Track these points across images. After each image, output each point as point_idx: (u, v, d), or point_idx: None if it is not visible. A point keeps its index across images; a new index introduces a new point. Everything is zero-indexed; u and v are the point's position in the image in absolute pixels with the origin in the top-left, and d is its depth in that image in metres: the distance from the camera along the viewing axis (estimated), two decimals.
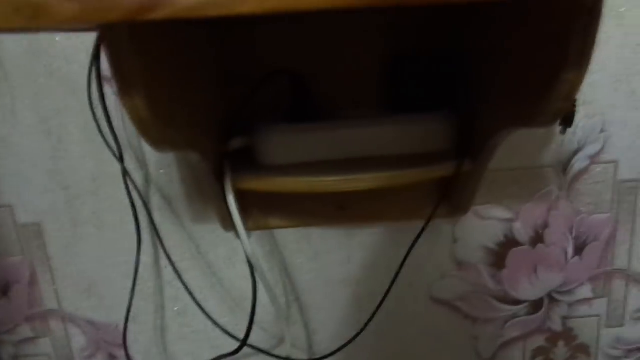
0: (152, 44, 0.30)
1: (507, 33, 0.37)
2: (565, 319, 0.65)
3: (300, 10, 0.21)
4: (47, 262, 0.62)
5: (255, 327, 0.64)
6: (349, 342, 0.57)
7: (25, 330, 0.65)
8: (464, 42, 0.48)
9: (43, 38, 0.54)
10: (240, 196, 0.51)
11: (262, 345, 0.61)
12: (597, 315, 0.65)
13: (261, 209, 0.58)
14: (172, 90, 0.34)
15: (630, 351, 0.66)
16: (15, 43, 0.54)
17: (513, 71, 0.36)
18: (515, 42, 0.36)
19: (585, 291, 0.64)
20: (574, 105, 0.51)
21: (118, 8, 0.21)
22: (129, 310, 0.58)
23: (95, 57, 0.46)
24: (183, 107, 0.37)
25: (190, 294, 0.56)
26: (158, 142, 0.31)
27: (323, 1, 0.21)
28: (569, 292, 0.64)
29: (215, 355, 0.58)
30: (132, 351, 0.65)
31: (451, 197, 0.54)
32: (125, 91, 0.27)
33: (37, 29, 0.21)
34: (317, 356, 0.62)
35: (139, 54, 0.27)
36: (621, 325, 0.65)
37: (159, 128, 0.30)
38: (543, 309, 0.64)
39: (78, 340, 0.65)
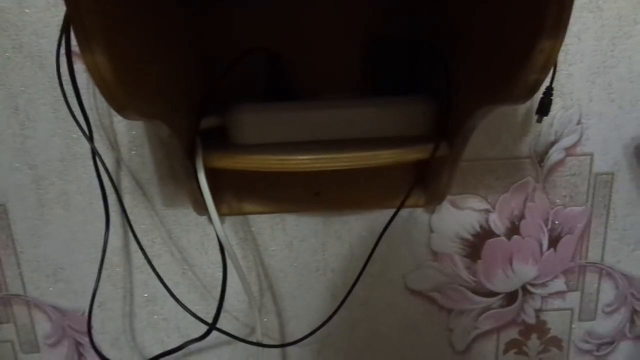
0: (116, 2, 0.29)
1: (483, 9, 0.37)
2: (538, 311, 0.65)
3: None
4: (12, 244, 0.60)
5: (227, 316, 0.63)
6: (319, 327, 0.56)
7: None
8: (441, 23, 0.48)
9: (12, 10, 0.52)
10: (214, 179, 0.50)
11: (234, 334, 0.59)
12: (570, 309, 0.65)
13: (235, 194, 0.57)
14: (140, 55, 0.33)
15: (601, 345, 0.67)
16: None
17: (486, 45, 0.36)
18: (488, 15, 0.35)
19: (559, 284, 0.64)
20: (550, 94, 0.51)
21: None
22: (93, 296, 0.56)
23: (65, 29, 0.45)
24: (152, 75, 0.36)
25: (161, 279, 0.55)
26: (122, 108, 0.30)
27: None
28: (543, 284, 0.64)
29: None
30: (99, 339, 0.63)
31: (427, 183, 0.53)
32: (85, 46, 0.26)
33: None
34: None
35: (101, 9, 0.26)
36: (593, 319, 0.66)
37: (122, 91, 0.29)
38: (517, 302, 0.64)
39: (43, 326, 0.63)
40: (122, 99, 0.29)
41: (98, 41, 0.25)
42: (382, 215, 0.60)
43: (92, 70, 0.27)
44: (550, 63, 0.27)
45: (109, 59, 0.26)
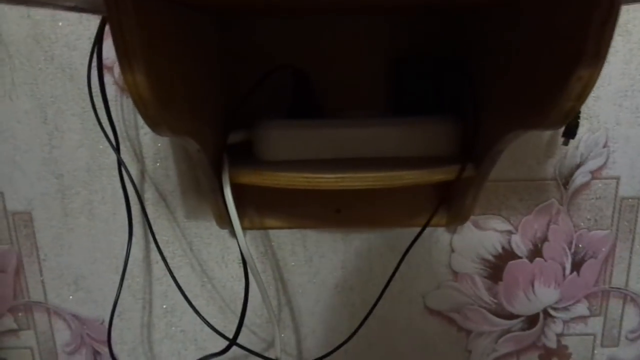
0: (156, 22, 0.29)
1: (518, 32, 0.37)
2: (560, 336, 0.64)
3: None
4: (35, 252, 0.61)
5: (245, 330, 0.63)
6: (338, 347, 0.55)
7: (9, 322, 0.63)
8: (470, 42, 0.48)
9: (45, 22, 0.53)
10: (237, 194, 0.51)
11: (251, 349, 0.59)
12: (592, 334, 0.64)
13: (257, 209, 0.57)
14: (174, 73, 0.33)
15: None
16: (18, 27, 0.53)
17: (521, 70, 0.36)
18: (526, 41, 0.35)
19: (581, 309, 0.63)
20: (577, 117, 0.50)
21: None
22: (114, 306, 0.57)
23: (98, 42, 0.46)
24: (184, 92, 0.36)
25: (182, 291, 0.55)
26: (156, 125, 0.31)
27: None
28: (565, 308, 0.63)
29: (201, 357, 0.57)
30: (117, 349, 0.64)
31: (451, 204, 0.53)
32: (127, 66, 0.26)
33: (42, 4, 0.20)
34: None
35: (143, 29, 0.26)
36: (616, 345, 0.64)
37: (158, 109, 0.29)
38: (538, 325, 0.63)
39: (62, 334, 0.64)
40: (157, 117, 0.30)
41: (138, 60, 0.26)
42: (402, 234, 0.60)
43: (131, 88, 0.27)
44: (587, 91, 0.27)
45: (148, 78, 0.27)
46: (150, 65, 0.27)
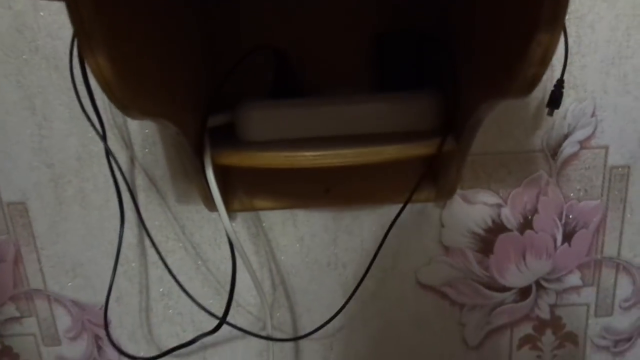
0: (119, 4, 0.29)
1: (485, 3, 0.37)
2: (553, 307, 0.64)
3: None
4: (33, 241, 0.62)
5: (240, 310, 0.64)
6: (329, 320, 0.56)
7: (11, 310, 0.65)
8: (448, 18, 0.47)
9: (27, 13, 0.54)
10: (225, 176, 0.51)
11: (247, 329, 0.60)
12: (586, 304, 0.64)
13: (246, 190, 0.58)
14: (145, 55, 0.34)
15: (618, 341, 0.66)
16: (0, 18, 0.54)
17: (487, 40, 0.36)
18: (488, 9, 0.35)
19: (574, 279, 0.63)
20: (561, 86, 0.50)
21: None
22: (109, 291, 0.58)
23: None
24: (158, 75, 0.36)
25: (173, 276, 0.56)
26: (125, 107, 0.31)
27: None
28: (558, 279, 0.63)
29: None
30: (117, 332, 0.65)
31: (436, 178, 0.53)
32: (87, 50, 0.26)
33: None
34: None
35: (102, 13, 0.27)
36: (610, 315, 0.65)
37: (125, 91, 0.29)
38: (531, 297, 0.64)
39: (63, 320, 0.65)
40: (125, 99, 0.30)
41: (99, 44, 0.26)
42: (392, 210, 0.60)
43: (95, 73, 0.27)
44: (549, 57, 0.27)
45: (111, 61, 0.27)
46: (112, 49, 0.27)
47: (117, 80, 0.28)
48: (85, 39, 0.26)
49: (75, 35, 0.26)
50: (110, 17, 0.28)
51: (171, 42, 0.42)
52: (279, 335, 0.64)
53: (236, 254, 0.49)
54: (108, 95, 0.29)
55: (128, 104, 0.31)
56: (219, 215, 0.48)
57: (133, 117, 0.33)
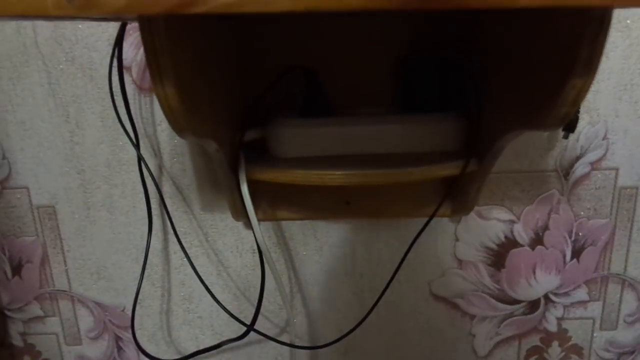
0: (185, 37, 0.32)
1: (518, 39, 0.39)
2: (560, 320, 0.67)
3: (333, 10, 0.22)
4: (60, 243, 0.64)
5: (259, 316, 0.66)
6: (349, 332, 0.58)
7: (35, 309, 0.67)
8: (475, 45, 0.50)
9: (66, 25, 0.56)
10: (251, 188, 0.53)
11: (266, 334, 0.62)
12: (592, 318, 0.67)
13: (270, 201, 0.60)
14: (199, 81, 0.36)
15: (622, 354, 0.68)
16: (41, 29, 0.56)
17: (522, 76, 0.38)
18: (525, 48, 0.37)
19: (581, 294, 0.65)
20: (577, 112, 0.53)
21: (162, 2, 0.22)
22: (137, 294, 0.60)
23: (118, 44, 0.48)
24: (207, 98, 0.39)
25: (201, 280, 0.58)
26: (183, 130, 0.33)
27: (357, 3, 0.22)
28: (566, 294, 0.65)
29: (217, 342, 0.60)
30: (138, 334, 0.67)
31: (455, 196, 0.56)
32: (158, 81, 0.29)
33: (84, 18, 0.23)
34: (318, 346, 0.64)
35: (173, 46, 0.29)
36: (614, 329, 0.67)
37: (186, 117, 0.32)
38: (539, 310, 0.66)
39: (86, 320, 0.67)
40: (184, 124, 0.32)
41: (169, 76, 0.28)
42: (408, 224, 0.62)
43: (162, 101, 0.30)
44: (581, 98, 0.29)
45: (177, 90, 0.29)
46: (178, 78, 0.30)
47: (180, 108, 0.30)
48: (157, 69, 0.28)
49: (147, 65, 0.29)
50: (179, 50, 0.30)
51: (216, 66, 0.44)
52: (295, 341, 0.67)
53: (265, 262, 0.51)
54: (170, 121, 0.31)
55: (185, 127, 0.33)
56: (249, 226, 0.50)
57: (186, 138, 0.35)
